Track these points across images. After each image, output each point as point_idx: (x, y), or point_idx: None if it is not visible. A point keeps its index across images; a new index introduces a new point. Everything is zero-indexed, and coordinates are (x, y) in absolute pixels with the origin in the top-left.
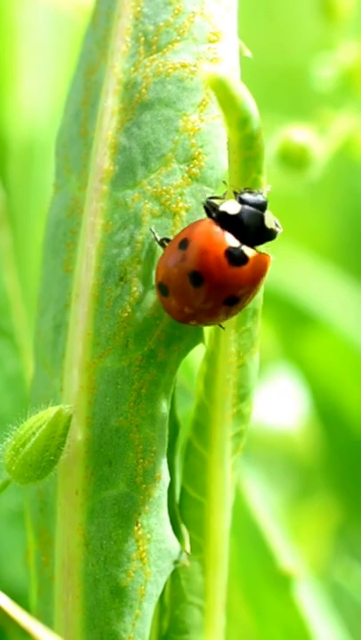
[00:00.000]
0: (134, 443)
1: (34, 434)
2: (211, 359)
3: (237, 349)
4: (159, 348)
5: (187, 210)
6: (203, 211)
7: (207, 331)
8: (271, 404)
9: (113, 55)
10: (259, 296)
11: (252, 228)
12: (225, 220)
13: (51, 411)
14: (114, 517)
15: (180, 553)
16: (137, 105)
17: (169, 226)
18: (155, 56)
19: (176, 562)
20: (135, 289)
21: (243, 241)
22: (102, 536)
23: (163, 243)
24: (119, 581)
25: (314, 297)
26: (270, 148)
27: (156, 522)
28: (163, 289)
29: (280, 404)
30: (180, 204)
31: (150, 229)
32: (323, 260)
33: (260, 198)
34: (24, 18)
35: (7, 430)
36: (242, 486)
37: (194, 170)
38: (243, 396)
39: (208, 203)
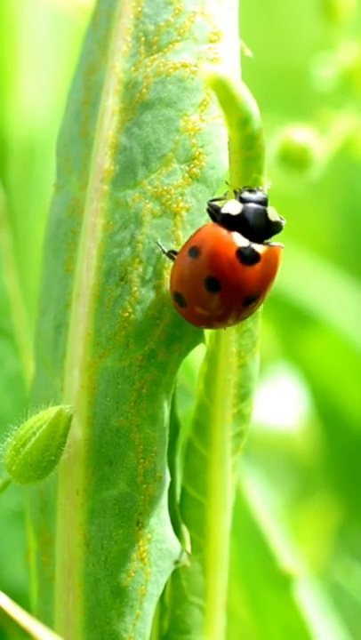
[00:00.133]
0: (135, 443)
1: (34, 434)
2: (211, 359)
3: (238, 349)
4: (160, 347)
5: (187, 210)
6: (204, 210)
7: (208, 331)
8: (271, 404)
9: (113, 55)
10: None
11: (257, 225)
12: (230, 221)
13: (51, 411)
14: (114, 517)
15: (181, 553)
16: (137, 105)
17: (170, 226)
18: (155, 56)
19: (177, 562)
20: (136, 289)
21: (251, 239)
22: (103, 536)
23: (171, 255)
24: (120, 581)
25: (314, 297)
26: (271, 148)
27: (156, 522)
28: (179, 299)
29: (280, 404)
30: (181, 204)
31: (157, 243)
32: (323, 260)
33: (260, 194)
34: (24, 18)
35: (8, 430)
36: (242, 486)
37: (194, 170)
38: (243, 396)
39: (210, 206)
